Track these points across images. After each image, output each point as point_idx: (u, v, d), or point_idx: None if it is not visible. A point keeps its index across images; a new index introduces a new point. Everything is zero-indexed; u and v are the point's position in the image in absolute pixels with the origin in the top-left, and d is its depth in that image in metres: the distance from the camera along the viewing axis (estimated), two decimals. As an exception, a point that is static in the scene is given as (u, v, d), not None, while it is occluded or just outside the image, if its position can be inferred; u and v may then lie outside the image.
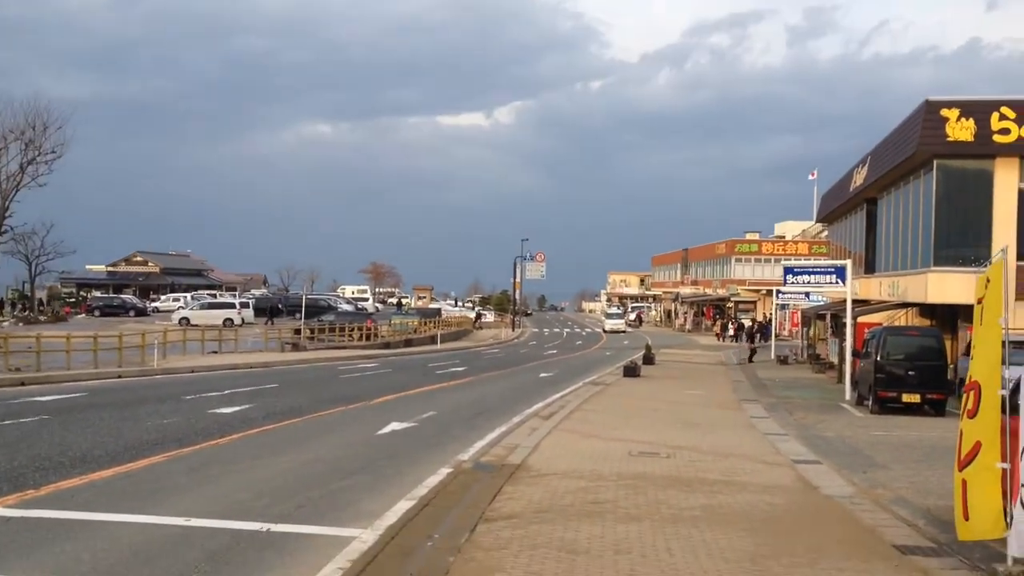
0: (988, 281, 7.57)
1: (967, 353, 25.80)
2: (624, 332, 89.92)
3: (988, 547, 9.15)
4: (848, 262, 29.08)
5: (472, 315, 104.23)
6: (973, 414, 7.43)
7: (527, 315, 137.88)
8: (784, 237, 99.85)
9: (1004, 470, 7.23)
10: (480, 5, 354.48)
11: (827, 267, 29.37)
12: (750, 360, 47.55)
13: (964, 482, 7.47)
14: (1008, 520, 7.34)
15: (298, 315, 60.13)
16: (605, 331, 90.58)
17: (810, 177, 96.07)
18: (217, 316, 62.20)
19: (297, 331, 52.13)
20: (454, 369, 37.74)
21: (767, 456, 15.63)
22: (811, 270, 29.48)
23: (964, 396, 7.78)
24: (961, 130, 27.59)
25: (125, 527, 9.47)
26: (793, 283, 29.45)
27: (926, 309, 32.93)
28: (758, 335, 64.14)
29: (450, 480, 12.43)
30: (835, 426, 20.66)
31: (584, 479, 12.71)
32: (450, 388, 28.72)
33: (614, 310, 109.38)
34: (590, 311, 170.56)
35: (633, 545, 8.95)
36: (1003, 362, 7.31)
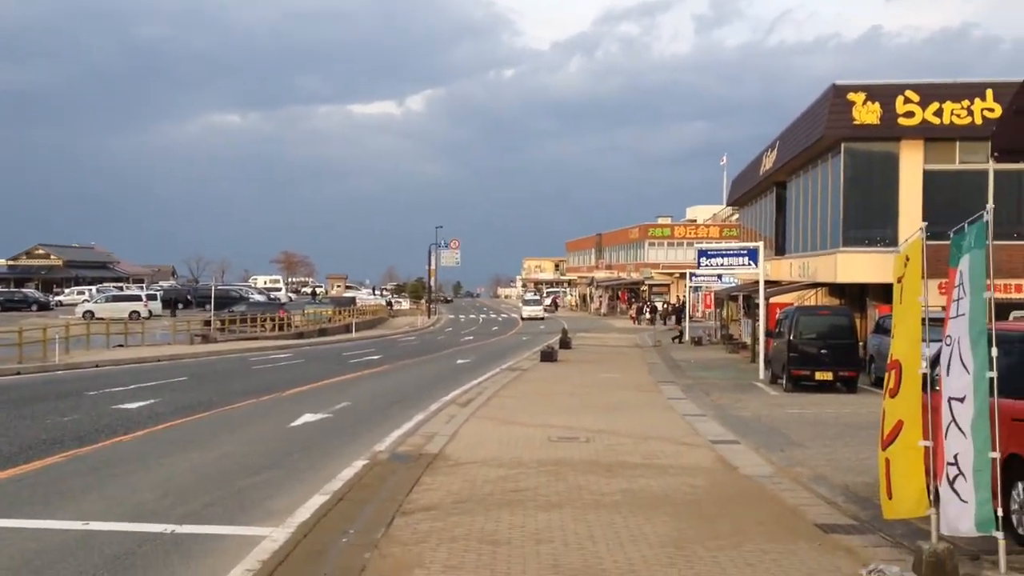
0: (907, 260, 7.48)
1: (876, 331, 26.29)
2: (542, 319, 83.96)
3: (910, 524, 9.14)
4: (760, 244, 29.37)
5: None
6: (895, 393, 7.34)
7: (447, 302, 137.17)
8: (696, 221, 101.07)
9: (927, 448, 7.17)
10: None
11: (740, 249, 29.61)
12: (680, 340, 48.26)
13: (888, 461, 7.39)
14: (931, 498, 7.28)
15: (208, 306, 58.80)
16: (523, 318, 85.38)
17: (720, 163, 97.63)
18: (123, 309, 60.45)
19: (207, 322, 50.93)
20: (369, 358, 37.23)
21: (686, 437, 15.58)
22: (724, 252, 29.71)
23: (886, 375, 7.69)
24: (867, 113, 28.04)
25: (18, 533, 8.91)
26: (707, 265, 29.63)
27: (835, 288, 33.49)
28: (674, 316, 65.19)
29: (366, 472, 12.06)
30: (751, 405, 20.78)
31: (504, 467, 12.46)
32: (365, 377, 28.25)
33: (531, 296, 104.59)
34: (506, 297, 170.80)
35: (555, 534, 8.72)
36: (923, 340, 7.22)
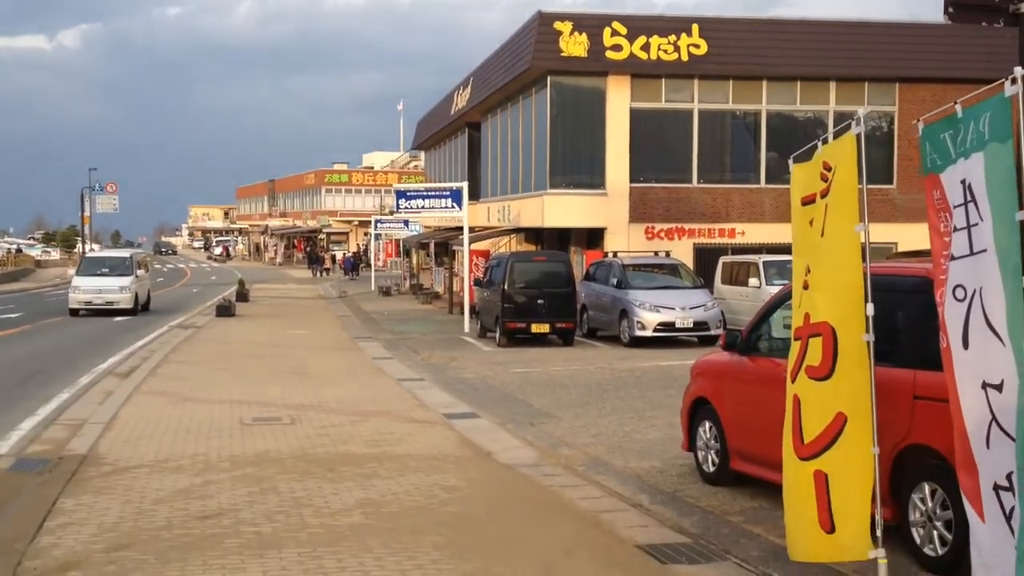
0: (831, 170, 4.91)
1: (586, 279, 24.65)
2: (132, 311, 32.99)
3: (760, 540, 6.79)
4: (464, 184, 26.89)
5: (35, 253, 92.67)
6: (825, 373, 4.80)
7: (163, 253, 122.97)
8: (373, 168, 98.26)
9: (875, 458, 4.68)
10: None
11: (442, 190, 26.97)
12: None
13: (823, 477, 4.81)
14: (877, 535, 4.83)
15: None
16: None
17: (397, 108, 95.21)
18: None
19: None
20: (6, 316, 31.28)
21: (413, 411, 12.71)
22: (425, 194, 26.96)
23: (797, 345, 5.15)
24: (575, 45, 26.24)
25: None
26: (407, 208, 26.78)
27: (531, 234, 31.85)
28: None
29: (-29, 496, 8.18)
30: (469, 364, 18.26)
31: (184, 471, 9.00)
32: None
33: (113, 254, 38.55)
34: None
35: (279, 604, 5.54)
36: (866, 295, 4.68)
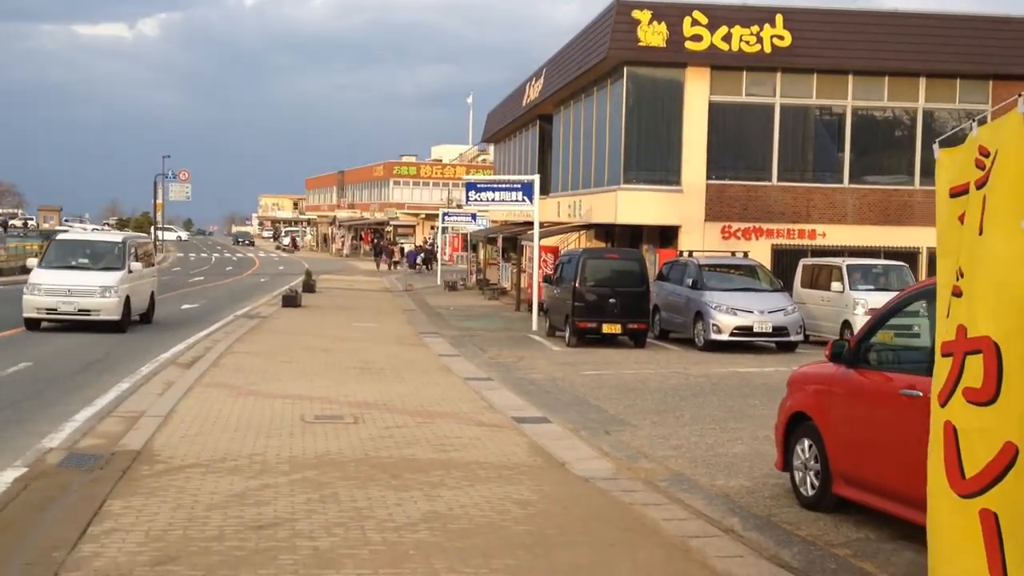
0: (989, 156, 4.16)
1: (659, 279, 23.82)
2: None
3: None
4: (536, 177, 26.20)
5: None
6: (989, 398, 4.04)
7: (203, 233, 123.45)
8: (441, 160, 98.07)
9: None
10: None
11: (513, 183, 26.33)
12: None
13: (993, 516, 4.02)
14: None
15: None
16: None
17: (467, 101, 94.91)
18: None
19: None
20: (75, 302, 31.31)
21: (481, 413, 12.09)
22: (496, 186, 26.33)
23: (948, 362, 4.39)
24: (653, 35, 25.40)
25: None
26: (476, 200, 26.14)
27: (602, 231, 31.09)
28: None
29: (17, 494, 7.72)
30: (538, 364, 17.61)
31: (240, 473, 8.48)
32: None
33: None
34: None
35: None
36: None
